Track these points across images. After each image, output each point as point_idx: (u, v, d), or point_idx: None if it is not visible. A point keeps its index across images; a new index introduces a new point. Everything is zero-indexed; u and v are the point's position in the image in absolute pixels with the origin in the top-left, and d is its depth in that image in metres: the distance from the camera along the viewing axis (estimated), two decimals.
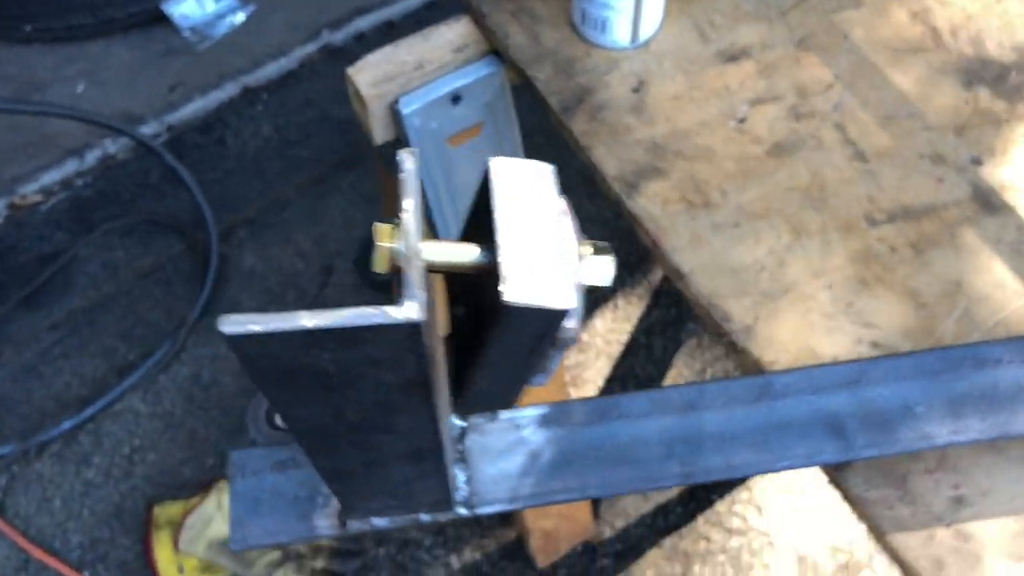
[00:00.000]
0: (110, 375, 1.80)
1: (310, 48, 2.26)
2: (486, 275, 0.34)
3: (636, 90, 0.87)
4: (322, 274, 1.94)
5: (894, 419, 0.62)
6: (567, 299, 0.32)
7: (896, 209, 0.79)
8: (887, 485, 0.66)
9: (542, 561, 1.58)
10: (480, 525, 1.63)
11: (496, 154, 1.03)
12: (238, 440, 1.74)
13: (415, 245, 0.32)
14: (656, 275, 1.92)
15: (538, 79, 0.89)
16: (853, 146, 0.82)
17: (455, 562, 1.61)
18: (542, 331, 0.33)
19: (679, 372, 1.79)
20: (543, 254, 0.33)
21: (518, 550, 1.60)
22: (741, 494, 1.66)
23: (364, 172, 2.08)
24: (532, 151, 0.79)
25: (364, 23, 2.32)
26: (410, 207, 0.33)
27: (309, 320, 0.31)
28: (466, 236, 0.37)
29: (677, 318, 1.85)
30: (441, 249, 0.35)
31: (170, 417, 1.77)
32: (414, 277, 0.31)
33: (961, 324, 0.73)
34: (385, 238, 0.33)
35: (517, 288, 0.32)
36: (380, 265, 0.34)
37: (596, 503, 1.64)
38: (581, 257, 0.35)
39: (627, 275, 1.91)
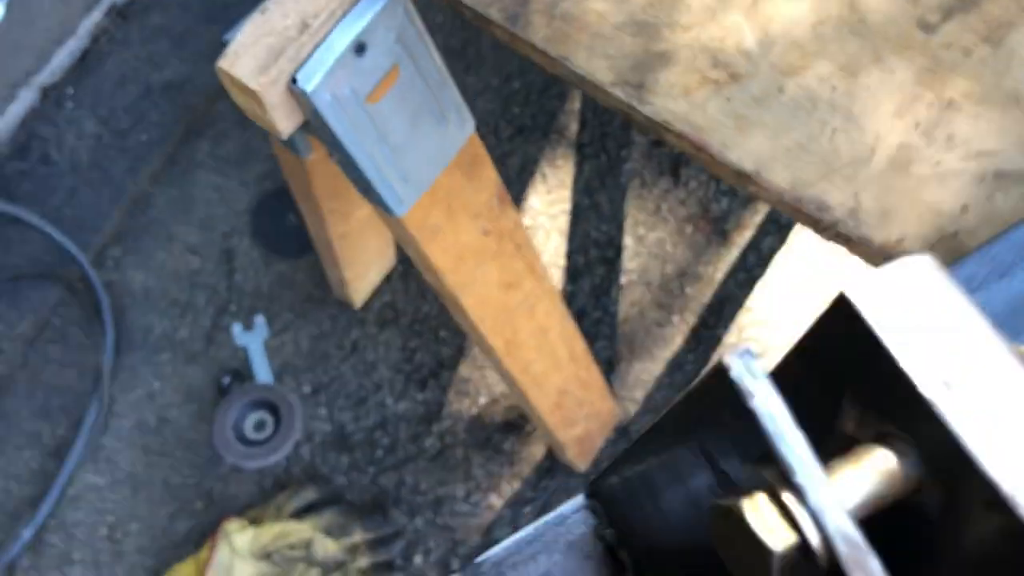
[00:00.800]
0: (48, 462, 1.58)
1: (95, 16, 1.94)
2: (921, 493, 0.19)
3: None
4: (224, 262, 1.72)
5: None
6: None
7: (946, 1, 0.65)
8: None
9: (583, 465, 1.49)
10: (506, 456, 1.52)
11: (423, 93, 0.85)
12: (216, 470, 1.57)
13: (833, 507, 0.17)
14: (571, 128, 1.76)
15: None
16: None
17: (497, 501, 1.50)
18: None
19: (635, 219, 1.66)
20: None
21: (554, 465, 1.51)
22: (743, 318, 1.58)
23: (217, 134, 1.82)
24: None
25: None
26: (798, 452, 0.18)
27: None
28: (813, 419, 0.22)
29: (610, 164, 1.71)
30: (852, 485, 0.20)
31: (134, 477, 1.57)
32: (872, 566, 0.16)
33: None
34: (759, 511, 0.18)
35: None
36: (777, 538, 0.18)
37: (611, 384, 1.54)
38: None
39: (542, 138, 1.75)
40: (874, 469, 0.20)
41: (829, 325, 0.21)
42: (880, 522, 0.19)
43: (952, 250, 0.58)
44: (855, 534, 0.17)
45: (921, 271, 0.20)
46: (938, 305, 0.20)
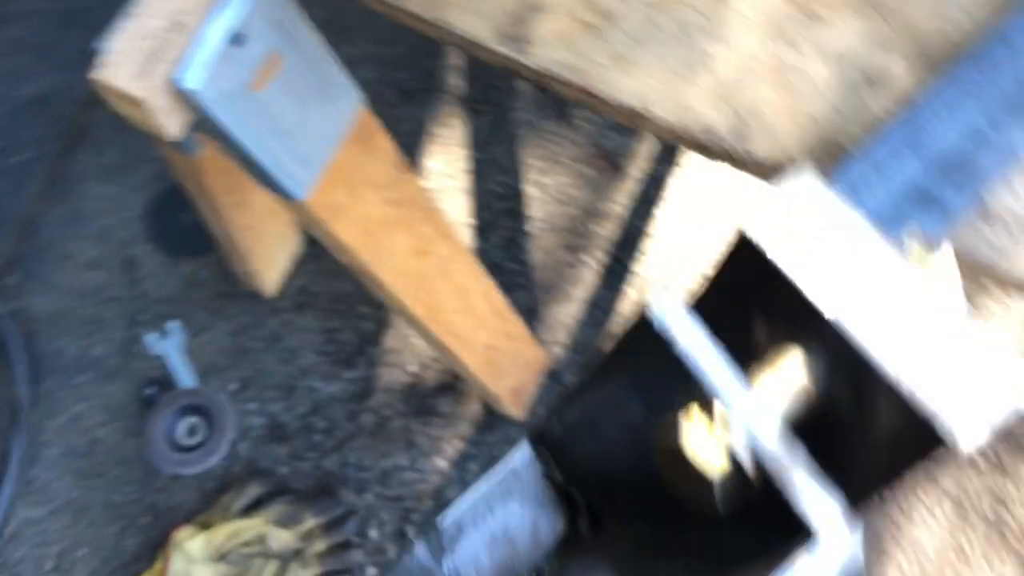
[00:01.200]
0: None
1: None
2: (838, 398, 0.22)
3: None
4: (127, 272, 1.68)
5: (974, 156, 0.54)
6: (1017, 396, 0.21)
7: None
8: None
9: (520, 412, 1.52)
10: (444, 418, 1.54)
11: (307, 73, 0.84)
12: (156, 482, 1.55)
13: (759, 417, 0.19)
14: (457, 85, 1.76)
15: None
16: None
17: (443, 463, 1.53)
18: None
19: (533, 167, 1.68)
20: (922, 329, 0.21)
21: (493, 419, 1.54)
22: (649, 246, 1.62)
23: (97, 143, 1.77)
24: None
25: None
26: (721, 375, 0.19)
27: None
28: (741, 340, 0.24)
29: (501, 116, 1.72)
30: (774, 388, 0.22)
31: (73, 504, 1.54)
32: (801, 484, 0.19)
33: (936, 7, 0.64)
34: (696, 440, 0.20)
35: (964, 422, 0.20)
36: (714, 467, 0.20)
37: (535, 332, 1.57)
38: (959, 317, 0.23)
39: (429, 99, 1.75)
40: (789, 368, 0.22)
41: (734, 259, 0.23)
42: (805, 428, 0.22)
43: (834, 155, 0.61)
44: (782, 450, 0.19)
45: (806, 188, 0.22)
46: (825, 220, 0.22)
